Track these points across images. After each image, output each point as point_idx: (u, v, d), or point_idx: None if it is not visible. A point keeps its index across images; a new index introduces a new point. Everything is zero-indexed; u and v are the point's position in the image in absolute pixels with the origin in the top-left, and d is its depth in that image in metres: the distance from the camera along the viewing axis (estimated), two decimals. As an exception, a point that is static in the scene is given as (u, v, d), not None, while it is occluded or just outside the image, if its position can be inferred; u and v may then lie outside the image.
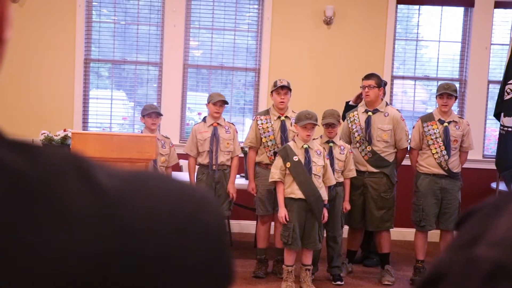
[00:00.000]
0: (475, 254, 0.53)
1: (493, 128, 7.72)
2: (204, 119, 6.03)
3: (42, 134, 6.21)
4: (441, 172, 5.83)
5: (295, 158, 5.35)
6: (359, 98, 6.33)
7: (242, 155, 6.32)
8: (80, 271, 0.48)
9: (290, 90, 5.84)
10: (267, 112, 5.95)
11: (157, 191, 0.56)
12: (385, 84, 6.20)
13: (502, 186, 6.73)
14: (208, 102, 5.93)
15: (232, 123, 6.14)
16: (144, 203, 0.54)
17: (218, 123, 5.93)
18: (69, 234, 0.48)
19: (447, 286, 0.54)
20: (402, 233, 7.14)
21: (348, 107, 6.38)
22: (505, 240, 0.53)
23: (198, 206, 0.58)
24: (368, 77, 5.94)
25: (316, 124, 5.37)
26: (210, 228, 0.58)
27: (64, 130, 6.29)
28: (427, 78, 7.82)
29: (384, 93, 6.06)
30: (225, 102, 5.95)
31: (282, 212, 5.38)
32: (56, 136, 6.20)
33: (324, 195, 5.41)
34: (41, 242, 0.47)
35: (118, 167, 0.57)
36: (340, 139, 5.87)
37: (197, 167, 6.00)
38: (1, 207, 0.47)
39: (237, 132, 6.08)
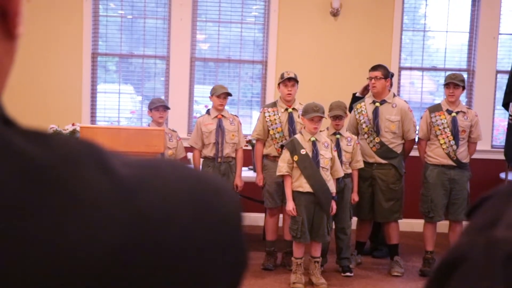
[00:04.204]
0: (494, 236, 0.53)
1: (502, 119, 7.69)
2: (208, 112, 6.04)
3: (50, 128, 6.24)
4: (450, 162, 5.82)
5: (303, 151, 5.33)
6: (366, 89, 6.32)
7: (248, 147, 6.32)
8: (98, 258, 0.48)
9: (297, 82, 5.83)
10: (274, 104, 5.94)
11: (173, 178, 0.57)
12: (392, 75, 6.18)
13: (511, 176, 6.71)
14: (212, 95, 5.93)
15: (236, 115, 6.15)
16: (161, 190, 0.54)
17: (222, 115, 5.93)
18: (85, 221, 0.49)
19: (468, 268, 0.54)
20: (410, 224, 7.13)
21: (355, 99, 6.37)
22: None
23: (215, 194, 0.59)
24: (374, 68, 5.93)
25: (323, 117, 5.35)
26: (227, 215, 0.59)
27: (73, 124, 6.33)
28: (435, 69, 7.80)
29: (391, 84, 6.05)
30: (229, 94, 5.95)
31: (290, 206, 5.37)
32: (65, 130, 6.23)
33: (332, 187, 5.40)
34: (58, 229, 0.47)
35: (131, 155, 0.57)
36: (346, 131, 5.86)
37: (201, 160, 6.00)
38: (18, 195, 0.47)
39: (241, 124, 6.08)
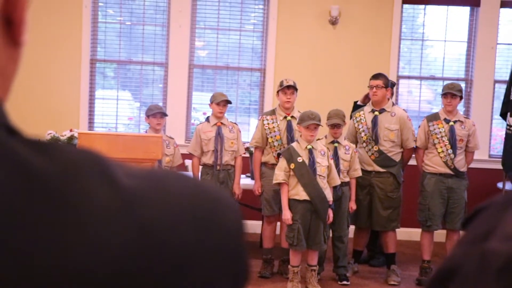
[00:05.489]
0: (488, 248, 0.54)
1: (499, 128, 7.70)
2: (207, 119, 6.04)
3: (48, 134, 6.23)
4: (448, 171, 5.82)
5: (299, 159, 5.33)
6: (367, 98, 6.33)
7: (247, 155, 6.32)
8: (98, 270, 0.48)
9: (296, 89, 5.83)
10: (273, 112, 5.94)
11: (175, 189, 0.57)
12: (393, 84, 6.19)
13: (508, 186, 6.72)
14: (211, 102, 5.93)
15: (235, 123, 6.15)
16: (163, 201, 0.54)
17: (222, 123, 5.93)
18: (87, 232, 0.48)
19: (461, 280, 0.55)
20: (408, 233, 7.13)
21: (356, 107, 6.38)
22: None
23: (216, 204, 0.59)
24: (376, 77, 5.94)
25: (320, 125, 5.36)
26: (229, 227, 0.59)
27: (70, 130, 6.32)
28: (433, 78, 7.81)
29: (392, 94, 6.06)
30: (228, 102, 5.95)
31: (287, 215, 5.36)
32: (63, 136, 6.23)
33: (329, 195, 5.40)
34: (57, 240, 0.47)
35: (133, 166, 0.57)
36: (345, 139, 5.86)
37: (200, 167, 6.00)
38: (20, 205, 0.47)
39: (240, 131, 6.08)
